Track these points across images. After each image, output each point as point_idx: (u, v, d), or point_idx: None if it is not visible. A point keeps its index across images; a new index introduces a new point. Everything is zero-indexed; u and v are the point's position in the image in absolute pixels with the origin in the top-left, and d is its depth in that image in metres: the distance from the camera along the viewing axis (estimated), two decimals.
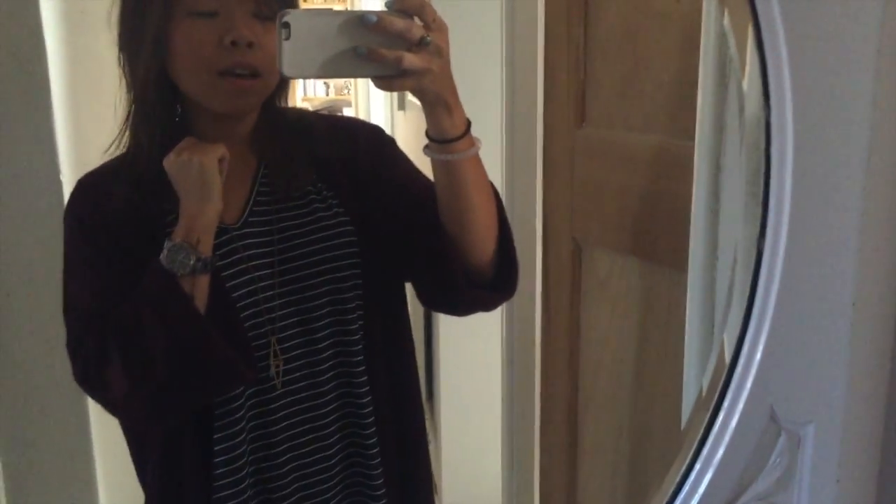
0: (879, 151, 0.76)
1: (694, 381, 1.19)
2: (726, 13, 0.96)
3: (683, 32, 1.39)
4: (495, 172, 1.78)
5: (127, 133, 1.06)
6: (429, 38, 0.87)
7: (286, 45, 0.84)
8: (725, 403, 0.82)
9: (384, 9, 0.87)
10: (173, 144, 1.02)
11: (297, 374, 1.09)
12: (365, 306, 1.11)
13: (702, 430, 0.83)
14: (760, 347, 0.80)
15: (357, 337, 1.11)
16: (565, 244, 1.74)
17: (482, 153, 0.99)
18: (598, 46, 1.61)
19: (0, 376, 2.03)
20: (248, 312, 1.06)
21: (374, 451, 1.13)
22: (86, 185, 1.07)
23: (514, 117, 1.81)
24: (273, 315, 1.07)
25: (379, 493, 1.14)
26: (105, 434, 2.09)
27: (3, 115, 1.78)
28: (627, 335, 1.61)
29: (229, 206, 1.08)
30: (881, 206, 0.78)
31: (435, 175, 1.00)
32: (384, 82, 0.88)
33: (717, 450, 0.83)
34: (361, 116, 5.04)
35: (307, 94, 7.17)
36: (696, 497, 0.83)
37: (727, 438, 0.82)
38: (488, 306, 1.13)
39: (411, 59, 0.86)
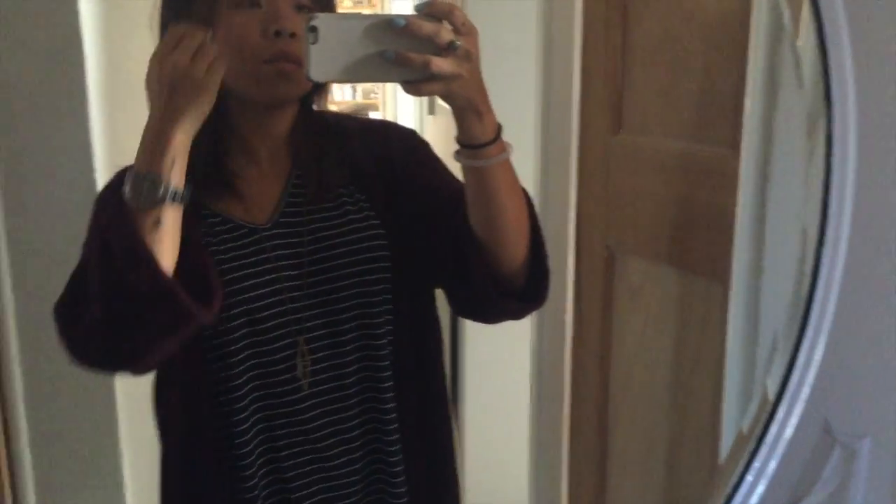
0: None
1: (736, 392, 1.17)
2: None
3: (725, 39, 1.37)
4: (529, 178, 1.77)
5: None
6: (458, 42, 0.85)
7: (313, 48, 0.84)
8: (779, 415, 0.80)
9: (413, 13, 0.86)
10: (216, 139, 1.02)
11: (324, 375, 1.09)
12: (394, 311, 1.11)
13: (754, 442, 0.82)
14: (817, 358, 0.78)
15: (384, 342, 1.10)
16: (598, 252, 1.72)
17: (516, 158, 0.98)
18: (637, 52, 1.59)
19: (31, 370, 2.04)
20: (272, 311, 1.06)
21: (397, 458, 1.12)
22: (125, 171, 1.06)
23: (549, 122, 1.80)
24: (300, 315, 1.07)
25: (400, 490, 1.13)
26: (132, 429, 2.09)
27: (40, 116, 1.79)
28: (660, 345, 1.59)
29: (261, 205, 1.08)
30: None
31: (465, 180, 0.98)
32: (412, 87, 0.87)
33: (769, 461, 0.81)
34: None
35: (334, 98, 7.15)
36: None
37: (780, 450, 0.80)
38: (517, 315, 1.12)
39: (439, 64, 0.85)
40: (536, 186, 1.82)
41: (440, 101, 0.92)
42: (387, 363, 1.10)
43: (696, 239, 1.47)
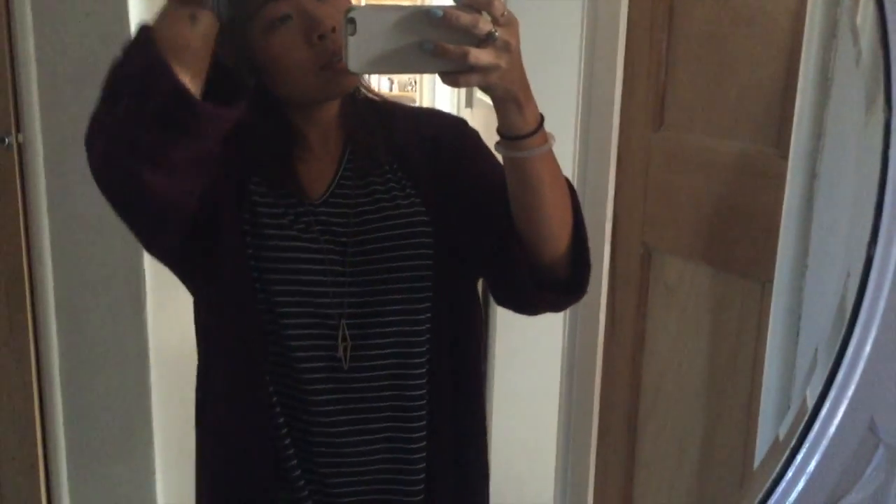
0: None
1: (775, 395, 1.15)
2: None
3: (773, 36, 1.36)
4: (567, 172, 1.76)
5: None
6: (496, 33, 0.84)
7: (352, 40, 0.83)
8: (823, 412, 0.79)
9: (451, 3, 0.85)
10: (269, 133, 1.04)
11: (361, 356, 1.09)
12: (434, 297, 1.10)
13: (796, 438, 0.80)
14: (864, 355, 0.77)
15: (423, 328, 1.10)
16: (635, 248, 1.71)
17: (555, 152, 0.96)
18: (681, 50, 1.58)
19: (68, 355, 2.07)
20: (316, 289, 1.06)
21: (420, 444, 1.12)
22: None
23: (589, 116, 1.79)
24: (342, 295, 1.07)
25: (416, 478, 1.12)
26: (164, 406, 2.11)
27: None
28: (695, 344, 1.58)
29: (314, 182, 1.08)
30: None
31: (507, 172, 0.97)
32: (450, 78, 0.86)
33: (810, 459, 0.80)
34: None
35: (370, 89, 7.12)
36: None
37: (822, 448, 0.79)
38: (557, 307, 1.11)
39: (477, 55, 0.84)
40: (575, 181, 1.80)
41: (478, 94, 0.91)
42: (423, 349, 1.10)
43: (735, 239, 1.46)
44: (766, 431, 1.20)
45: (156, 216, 0.94)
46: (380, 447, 1.11)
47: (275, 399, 1.08)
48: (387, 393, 1.10)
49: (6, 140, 1.95)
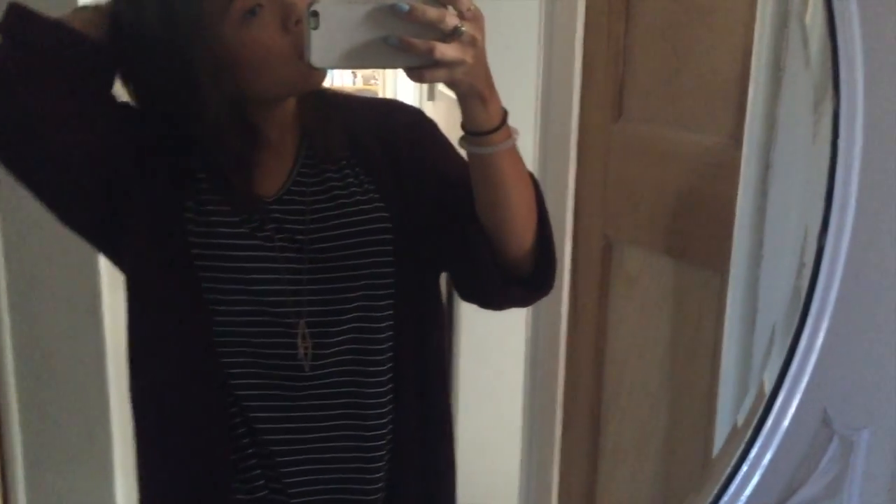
0: None
1: (732, 384, 1.15)
2: None
3: (728, 26, 1.36)
4: (527, 164, 1.75)
5: None
6: (463, 28, 0.83)
7: (315, 34, 0.82)
8: (777, 402, 0.79)
9: None
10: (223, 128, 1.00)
11: (321, 355, 1.07)
12: (396, 294, 1.09)
13: (750, 432, 0.80)
14: (817, 347, 0.77)
15: (385, 325, 1.08)
16: (596, 240, 1.71)
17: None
18: (639, 40, 1.58)
19: (22, 351, 2.03)
20: (270, 288, 1.04)
21: (380, 451, 1.10)
22: None
23: (549, 109, 1.78)
24: (300, 293, 1.05)
25: (375, 476, 1.11)
26: (124, 411, 2.08)
27: None
28: (656, 335, 1.58)
29: (268, 179, 1.06)
30: None
31: (471, 168, 0.96)
32: (416, 73, 0.85)
33: (765, 452, 0.80)
34: None
35: (333, 83, 7.14)
36: (742, 500, 0.79)
37: (777, 441, 0.79)
38: (523, 303, 1.10)
39: (444, 50, 0.83)
40: (535, 173, 1.80)
41: (441, 88, 0.90)
42: (385, 346, 1.09)
43: (695, 229, 1.46)
44: (725, 418, 1.21)
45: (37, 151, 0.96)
46: (339, 445, 1.10)
47: (230, 399, 1.06)
48: (347, 389, 1.09)
49: None
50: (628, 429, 1.70)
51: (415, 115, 1.17)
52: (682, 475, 1.56)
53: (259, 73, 0.97)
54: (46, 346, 2.03)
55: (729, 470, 0.81)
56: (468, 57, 0.84)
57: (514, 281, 1.02)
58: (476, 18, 0.85)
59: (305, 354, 1.05)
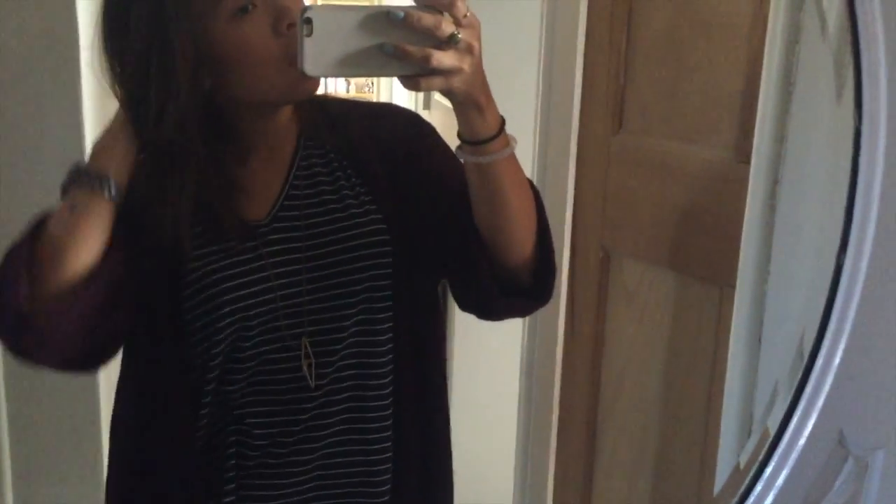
0: None
1: (738, 400, 1.15)
2: None
3: (734, 38, 1.36)
4: (527, 174, 1.75)
5: None
6: (459, 36, 0.81)
7: (308, 42, 0.79)
8: (791, 424, 0.78)
9: (412, 4, 0.82)
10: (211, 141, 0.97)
11: (324, 374, 1.05)
12: (395, 306, 1.07)
13: (764, 452, 0.79)
14: (834, 366, 0.76)
15: (385, 337, 1.07)
16: (594, 252, 1.70)
17: (515, 155, 0.93)
18: (641, 53, 1.57)
19: (12, 368, 2.00)
20: (262, 310, 1.01)
21: (385, 464, 1.08)
22: None
23: (548, 119, 1.77)
24: (301, 314, 1.02)
25: (381, 489, 1.10)
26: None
27: (33, 95, 1.75)
28: (654, 348, 1.58)
29: (259, 200, 1.03)
30: None
31: (469, 177, 0.94)
32: (411, 82, 0.83)
33: (779, 472, 0.79)
34: None
35: (326, 91, 7.04)
36: None
37: (791, 461, 0.78)
38: (522, 313, 1.08)
39: (440, 58, 0.80)
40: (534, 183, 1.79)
41: (437, 96, 0.89)
42: (386, 359, 1.07)
43: (694, 243, 1.46)
44: (729, 435, 1.20)
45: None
46: (344, 461, 1.08)
47: (229, 419, 1.04)
48: (350, 404, 1.07)
49: None
50: (624, 442, 1.69)
51: (412, 119, 1.15)
52: (676, 489, 1.55)
53: (244, 75, 0.94)
54: None
55: (742, 489, 0.80)
56: (465, 65, 0.82)
57: (513, 291, 1.01)
58: (473, 25, 0.83)
59: (309, 371, 1.04)
